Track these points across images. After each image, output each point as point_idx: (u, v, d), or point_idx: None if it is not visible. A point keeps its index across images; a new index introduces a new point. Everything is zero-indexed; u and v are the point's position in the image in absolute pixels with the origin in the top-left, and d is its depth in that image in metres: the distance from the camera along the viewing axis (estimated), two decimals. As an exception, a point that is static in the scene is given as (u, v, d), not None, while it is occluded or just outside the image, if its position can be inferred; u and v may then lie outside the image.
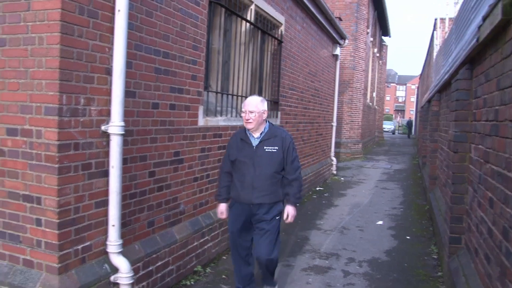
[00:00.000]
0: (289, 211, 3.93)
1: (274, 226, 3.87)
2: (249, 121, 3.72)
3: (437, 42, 14.20)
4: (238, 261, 4.04)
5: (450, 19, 14.35)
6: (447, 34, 10.89)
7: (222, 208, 4.02)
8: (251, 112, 3.70)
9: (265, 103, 3.81)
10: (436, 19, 16.76)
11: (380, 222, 7.57)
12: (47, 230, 3.06)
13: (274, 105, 7.37)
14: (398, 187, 11.43)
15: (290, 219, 3.95)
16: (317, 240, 6.31)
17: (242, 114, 3.77)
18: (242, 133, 3.89)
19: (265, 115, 3.79)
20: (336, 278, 4.89)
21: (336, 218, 7.73)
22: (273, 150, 3.77)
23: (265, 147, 3.77)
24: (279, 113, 7.51)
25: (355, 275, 5.00)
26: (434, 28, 16.65)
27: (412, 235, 6.78)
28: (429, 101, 10.70)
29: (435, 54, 13.54)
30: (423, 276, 5.03)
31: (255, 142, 3.81)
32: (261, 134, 3.82)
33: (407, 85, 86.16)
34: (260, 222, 3.86)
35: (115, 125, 3.33)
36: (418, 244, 6.32)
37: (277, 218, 3.89)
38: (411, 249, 6.06)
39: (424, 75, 24.72)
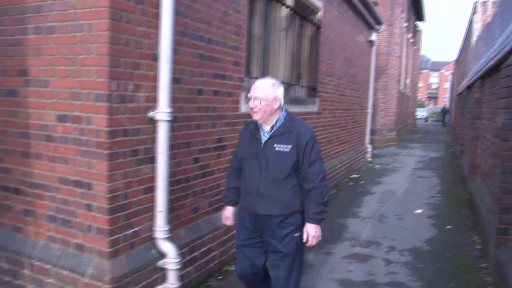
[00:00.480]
0: (309, 231, 2.98)
1: (292, 247, 3.02)
2: (254, 110, 2.95)
3: (477, 27, 13.77)
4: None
5: (493, 2, 13.87)
6: (489, 18, 10.54)
7: (227, 213, 3.29)
8: (256, 98, 2.94)
9: (279, 89, 2.99)
10: (476, 3, 16.21)
11: (419, 211, 7.44)
12: (97, 215, 3.10)
13: (312, 91, 7.29)
14: (435, 176, 11.20)
15: (310, 242, 3.00)
16: (356, 228, 6.25)
17: (249, 102, 3.03)
18: (252, 125, 3.11)
19: (277, 104, 2.96)
20: (377, 267, 4.83)
21: (373, 206, 7.64)
22: (285, 149, 2.93)
23: (275, 145, 2.95)
24: (317, 99, 7.42)
25: (397, 264, 4.93)
26: (473, 12, 16.12)
27: (453, 225, 6.63)
28: (468, 87, 10.40)
29: (474, 39, 13.16)
30: (466, 267, 4.91)
31: (264, 138, 3.02)
32: (272, 127, 3.01)
33: (441, 71, 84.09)
34: (273, 240, 3.04)
35: (162, 112, 3.34)
36: (459, 234, 6.18)
37: (295, 235, 3.03)
38: (452, 239, 5.93)
39: (460, 61, 24.10)
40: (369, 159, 12.64)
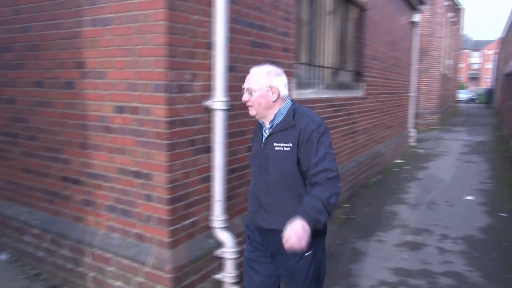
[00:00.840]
0: (293, 225, 2.19)
1: (304, 269, 2.44)
2: (248, 104, 2.48)
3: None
4: None
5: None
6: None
7: None
8: (247, 89, 2.47)
9: (277, 77, 2.44)
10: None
11: (470, 197, 7.22)
12: (157, 205, 3.12)
13: (357, 76, 7.14)
14: (483, 160, 10.84)
15: (290, 241, 2.16)
16: (405, 215, 6.12)
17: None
18: (258, 123, 2.61)
19: (274, 95, 2.41)
20: (431, 255, 4.72)
21: (421, 192, 7.46)
22: (285, 148, 2.36)
23: (274, 144, 2.40)
24: (362, 84, 7.27)
25: (451, 253, 4.80)
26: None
27: (507, 213, 6.38)
28: (519, 68, 9.98)
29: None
30: (525, 256, 4.75)
31: (265, 135, 2.50)
32: (271, 123, 2.47)
33: (483, 50, 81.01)
34: (281, 259, 2.48)
35: (218, 101, 3.32)
36: (515, 221, 5.98)
37: (306, 254, 2.40)
38: (508, 227, 5.72)
39: (507, 39, 23.17)
40: (413, 144, 12.37)
